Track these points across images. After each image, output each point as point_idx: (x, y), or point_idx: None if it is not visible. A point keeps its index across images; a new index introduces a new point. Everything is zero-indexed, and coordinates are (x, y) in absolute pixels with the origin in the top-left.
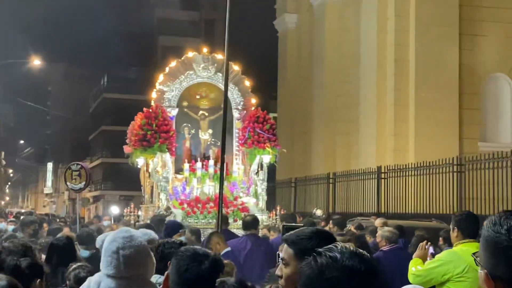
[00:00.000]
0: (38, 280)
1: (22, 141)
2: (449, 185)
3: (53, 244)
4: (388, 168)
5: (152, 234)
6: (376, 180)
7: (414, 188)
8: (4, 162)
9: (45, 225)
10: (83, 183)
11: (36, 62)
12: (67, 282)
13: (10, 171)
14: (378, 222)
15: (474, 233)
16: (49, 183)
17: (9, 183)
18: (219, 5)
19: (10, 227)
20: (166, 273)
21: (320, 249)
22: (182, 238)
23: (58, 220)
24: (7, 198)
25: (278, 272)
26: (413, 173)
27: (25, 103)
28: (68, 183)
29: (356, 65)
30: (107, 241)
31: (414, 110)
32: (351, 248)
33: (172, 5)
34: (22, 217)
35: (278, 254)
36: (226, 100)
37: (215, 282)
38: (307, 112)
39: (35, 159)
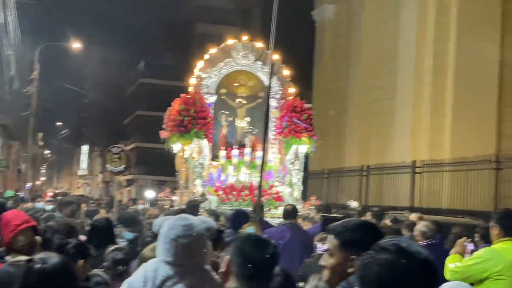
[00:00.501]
0: (83, 260)
1: (59, 123)
2: (486, 182)
3: (94, 225)
4: (424, 163)
5: (211, 222)
6: (410, 174)
7: (449, 183)
8: (41, 143)
9: (83, 205)
10: (123, 165)
11: (75, 45)
12: (105, 263)
13: (47, 151)
14: (413, 216)
15: None
16: (84, 165)
17: (45, 164)
18: None
19: (48, 207)
20: (226, 258)
21: (382, 244)
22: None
23: (92, 202)
24: (43, 179)
25: (322, 262)
26: (448, 169)
27: (63, 85)
28: (108, 165)
29: (394, 58)
30: (165, 228)
31: (451, 105)
32: (410, 242)
33: None
34: (59, 198)
35: (315, 245)
36: (269, 91)
37: (274, 269)
38: (342, 104)
39: (71, 141)
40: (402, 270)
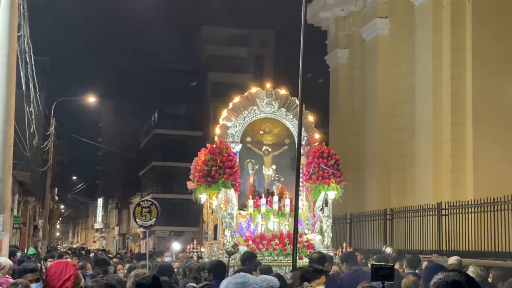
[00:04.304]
0: None
1: (74, 177)
2: None
3: (140, 283)
4: (449, 204)
5: (274, 281)
6: (436, 216)
7: (475, 224)
8: (57, 198)
9: (119, 266)
10: (154, 219)
11: (91, 99)
12: None
13: (62, 206)
14: (452, 260)
15: None
16: (99, 218)
17: (60, 219)
18: (268, 41)
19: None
20: None
21: None
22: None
23: (110, 255)
24: (58, 234)
25: None
26: (474, 210)
27: (78, 139)
28: (137, 220)
29: (411, 99)
30: (222, 285)
31: (471, 144)
32: None
33: (221, 42)
34: (92, 255)
35: None
36: (299, 140)
37: None
38: (360, 147)
39: (85, 194)
40: None
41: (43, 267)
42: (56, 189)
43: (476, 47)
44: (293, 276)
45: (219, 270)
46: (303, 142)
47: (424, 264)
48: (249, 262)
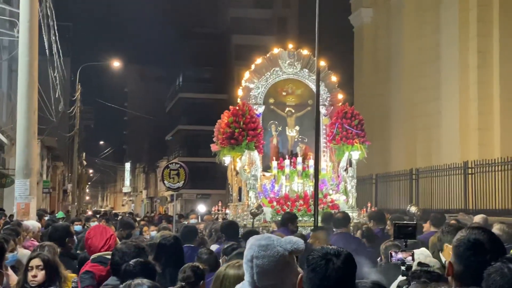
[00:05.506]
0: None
1: (101, 142)
2: None
3: (161, 244)
4: (475, 163)
5: (299, 243)
6: (462, 175)
7: (502, 183)
8: (85, 163)
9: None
10: (182, 182)
11: (115, 63)
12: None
13: (90, 171)
14: (478, 218)
15: None
16: (127, 182)
17: (89, 183)
18: (291, 2)
19: (77, 227)
20: (300, 275)
21: (508, 256)
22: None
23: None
24: (87, 198)
25: None
26: (502, 168)
27: (104, 104)
28: (166, 182)
29: (436, 58)
30: (247, 246)
31: (499, 103)
32: None
33: (245, 4)
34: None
35: (390, 253)
36: (318, 100)
37: (348, 281)
38: (385, 108)
39: (113, 159)
40: None
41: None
42: (84, 154)
43: (503, 3)
44: (313, 236)
45: (231, 230)
46: (326, 103)
47: (452, 222)
48: (291, 223)
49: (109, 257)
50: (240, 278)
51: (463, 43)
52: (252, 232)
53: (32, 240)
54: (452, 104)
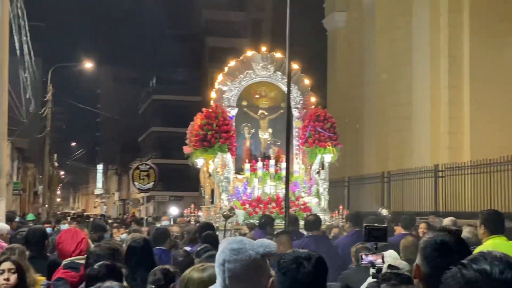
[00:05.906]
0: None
1: (73, 143)
2: (510, 183)
3: (131, 246)
4: (446, 166)
5: (271, 246)
6: (433, 178)
7: (471, 186)
8: (56, 164)
9: (115, 231)
10: (152, 183)
11: (88, 65)
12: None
13: (62, 172)
14: (447, 221)
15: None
16: (99, 184)
17: (61, 185)
18: (266, 5)
19: (49, 229)
20: (271, 279)
21: (465, 261)
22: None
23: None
24: (58, 200)
25: None
26: (471, 171)
27: (76, 106)
28: (136, 183)
29: (408, 62)
30: (218, 250)
31: (469, 107)
32: (501, 257)
33: (219, 6)
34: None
35: (360, 256)
36: (289, 100)
37: (319, 285)
38: (358, 111)
39: (85, 160)
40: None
41: None
42: (56, 155)
43: (474, 8)
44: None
45: (208, 233)
46: (299, 106)
47: (422, 226)
48: (269, 227)
49: (81, 262)
50: (203, 282)
51: (435, 48)
52: (206, 226)
53: (0, 242)
54: (423, 108)
